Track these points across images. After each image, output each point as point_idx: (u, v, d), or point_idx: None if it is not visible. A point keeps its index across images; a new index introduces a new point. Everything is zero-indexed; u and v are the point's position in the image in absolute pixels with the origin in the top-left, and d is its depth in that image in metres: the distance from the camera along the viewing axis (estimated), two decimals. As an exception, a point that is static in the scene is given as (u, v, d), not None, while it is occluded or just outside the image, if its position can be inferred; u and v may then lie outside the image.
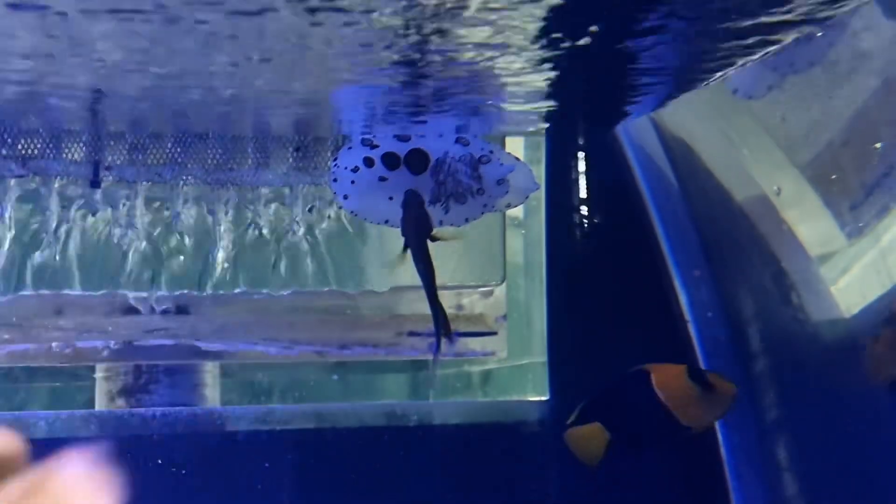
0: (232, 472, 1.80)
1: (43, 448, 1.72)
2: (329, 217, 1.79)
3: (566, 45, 1.19)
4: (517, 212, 1.97)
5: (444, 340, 1.57)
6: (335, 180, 1.57)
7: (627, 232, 1.97)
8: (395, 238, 1.59)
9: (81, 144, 1.63)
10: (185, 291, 1.80)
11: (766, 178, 1.76)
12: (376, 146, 1.56)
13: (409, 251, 1.55)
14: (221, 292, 1.79)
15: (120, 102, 1.43)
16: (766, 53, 1.29)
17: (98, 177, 1.66)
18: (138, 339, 1.81)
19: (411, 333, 1.90)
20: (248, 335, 1.85)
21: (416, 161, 1.56)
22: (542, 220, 1.97)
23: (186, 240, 1.75)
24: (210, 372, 1.92)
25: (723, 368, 1.84)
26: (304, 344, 1.87)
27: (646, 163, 1.96)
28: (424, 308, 1.82)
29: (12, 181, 1.65)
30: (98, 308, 1.80)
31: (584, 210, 1.96)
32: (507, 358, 1.98)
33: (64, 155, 1.63)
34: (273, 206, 1.76)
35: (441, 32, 1.12)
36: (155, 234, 1.74)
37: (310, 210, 1.77)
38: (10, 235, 1.69)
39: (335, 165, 1.58)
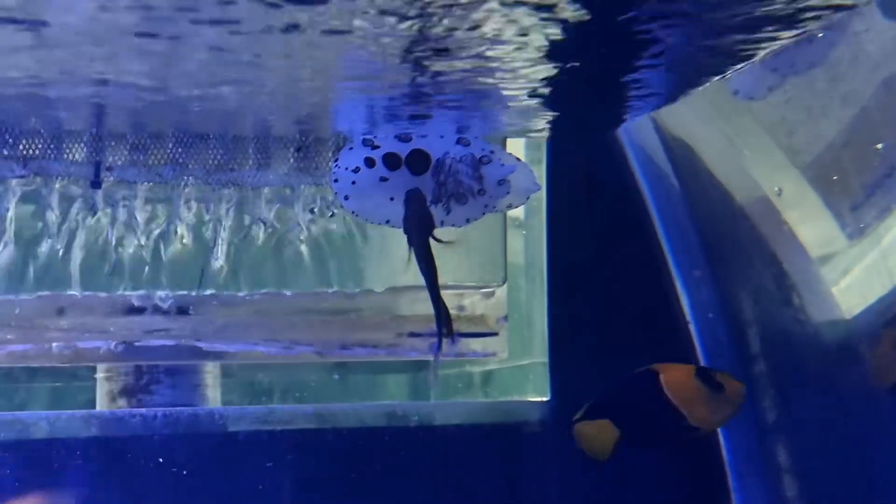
0: (233, 472, 1.80)
1: (43, 448, 1.73)
2: (330, 218, 1.79)
3: (566, 45, 1.19)
4: (518, 212, 1.97)
5: (446, 338, 1.56)
6: (336, 181, 1.57)
7: (628, 233, 1.97)
8: (397, 239, 1.59)
9: (82, 145, 1.64)
10: (186, 292, 1.80)
11: (766, 178, 1.76)
12: (377, 147, 1.56)
13: (411, 249, 1.54)
14: (223, 293, 1.79)
15: (121, 103, 1.44)
16: (767, 54, 1.29)
17: (99, 177, 1.66)
18: (139, 339, 1.81)
19: (412, 334, 1.90)
20: (248, 336, 1.85)
21: (417, 161, 1.56)
22: (543, 221, 1.97)
23: (187, 240, 1.75)
24: (211, 372, 1.92)
25: (723, 369, 1.84)
26: (305, 344, 1.87)
27: (646, 163, 1.96)
28: (425, 309, 1.83)
29: (13, 181, 1.65)
30: (99, 308, 1.80)
31: (584, 211, 1.96)
32: (507, 359, 1.98)
33: (65, 155, 1.64)
34: (274, 206, 1.76)
35: (444, 33, 1.12)
36: (156, 234, 1.74)
37: (311, 211, 1.77)
38: (11, 236, 1.69)
39: (336, 166, 1.58)
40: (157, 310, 1.81)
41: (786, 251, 1.77)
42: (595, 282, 1.95)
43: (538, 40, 1.17)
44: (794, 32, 1.20)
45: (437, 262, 1.53)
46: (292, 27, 1.08)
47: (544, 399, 1.96)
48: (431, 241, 1.53)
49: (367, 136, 1.57)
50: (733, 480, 1.93)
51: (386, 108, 1.47)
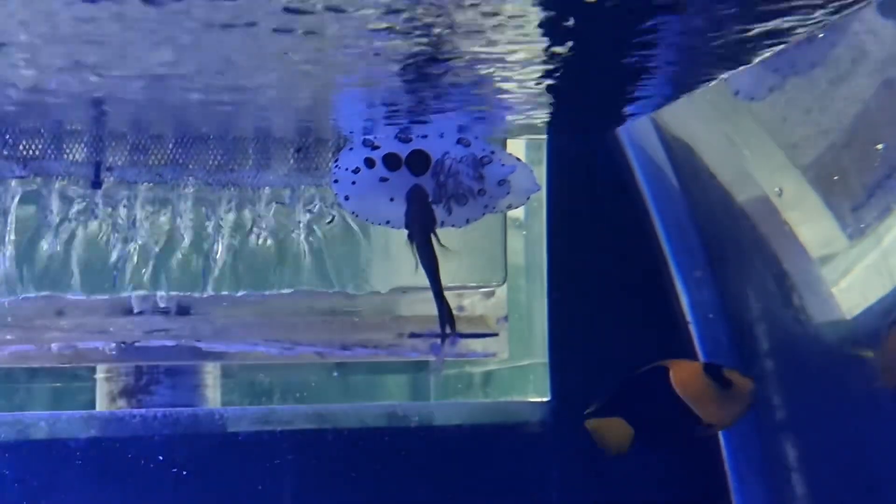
0: (233, 473, 1.80)
1: (43, 449, 1.73)
2: (330, 218, 1.78)
3: (567, 46, 1.19)
4: (518, 213, 1.97)
5: (448, 335, 1.56)
6: (336, 181, 1.57)
7: (628, 233, 1.97)
8: (397, 239, 1.59)
9: (83, 145, 1.63)
10: (186, 292, 1.80)
11: (767, 179, 1.76)
12: (377, 147, 1.56)
13: (412, 245, 1.54)
14: (224, 293, 1.79)
15: (122, 104, 1.44)
16: (768, 54, 1.29)
17: (99, 177, 1.66)
18: (139, 339, 1.81)
19: (412, 335, 1.90)
20: (248, 336, 1.85)
21: (418, 162, 1.56)
22: (544, 221, 1.96)
23: (187, 241, 1.75)
24: (211, 373, 1.92)
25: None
26: (305, 345, 1.87)
27: (647, 164, 1.96)
28: (425, 309, 1.83)
29: (14, 182, 1.65)
30: (99, 309, 1.80)
31: (585, 211, 1.96)
32: (508, 359, 1.98)
33: (65, 156, 1.64)
34: (274, 207, 1.76)
35: (444, 34, 1.12)
36: (156, 234, 1.74)
37: (311, 211, 1.77)
38: (11, 236, 1.69)
39: (336, 166, 1.57)
40: (156, 310, 1.81)
41: (786, 251, 1.77)
42: (595, 282, 1.95)
43: (538, 41, 1.17)
44: (795, 35, 1.20)
45: (438, 261, 1.53)
46: (293, 29, 1.08)
47: (544, 399, 1.95)
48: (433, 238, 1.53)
49: (367, 137, 1.57)
50: (734, 481, 1.93)
51: (386, 109, 1.47)
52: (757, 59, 1.31)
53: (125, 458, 1.76)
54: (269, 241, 1.77)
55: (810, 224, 1.70)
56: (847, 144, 1.59)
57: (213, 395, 1.91)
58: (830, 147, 1.63)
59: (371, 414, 1.93)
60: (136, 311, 1.81)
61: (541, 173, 1.91)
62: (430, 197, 1.55)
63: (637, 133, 1.94)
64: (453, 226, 1.58)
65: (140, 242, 1.73)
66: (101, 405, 1.88)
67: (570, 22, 1.11)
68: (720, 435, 1.93)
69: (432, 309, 1.58)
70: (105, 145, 1.64)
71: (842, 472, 1.73)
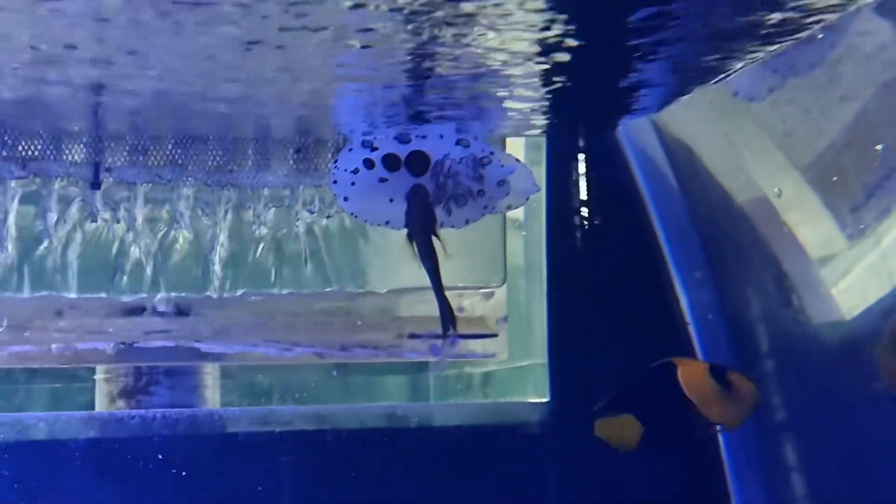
0: (232, 473, 1.80)
1: (43, 449, 1.72)
2: (329, 219, 1.78)
3: (567, 47, 1.19)
4: (518, 213, 1.96)
5: (449, 331, 1.55)
6: (335, 182, 1.57)
7: (628, 234, 1.97)
8: (397, 239, 1.59)
9: (82, 146, 1.63)
10: (186, 293, 1.79)
11: (766, 179, 1.76)
12: (376, 148, 1.56)
13: (413, 243, 1.53)
14: (223, 294, 1.79)
15: (121, 104, 1.44)
16: (768, 55, 1.29)
17: (98, 178, 1.66)
18: (138, 340, 1.81)
19: (412, 335, 1.89)
20: (248, 337, 1.85)
21: (417, 163, 1.56)
22: (543, 222, 1.96)
23: (187, 241, 1.75)
24: (210, 373, 1.92)
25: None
26: (305, 346, 1.87)
27: (646, 165, 1.96)
28: (425, 310, 1.83)
29: (13, 183, 1.65)
30: (98, 310, 1.80)
31: (584, 212, 1.96)
32: (507, 360, 1.98)
33: (64, 156, 1.63)
34: (273, 207, 1.76)
35: (445, 35, 1.12)
36: (155, 235, 1.74)
37: (310, 212, 1.77)
38: (10, 237, 1.69)
39: (335, 167, 1.57)
40: (156, 311, 1.81)
41: (786, 252, 1.77)
42: (595, 283, 1.95)
43: (538, 42, 1.17)
44: (795, 35, 1.20)
45: (438, 259, 1.53)
46: (293, 29, 1.08)
47: (544, 400, 1.95)
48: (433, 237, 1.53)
49: (367, 138, 1.57)
50: (733, 482, 1.93)
51: (385, 110, 1.47)
52: (757, 60, 1.32)
53: (124, 458, 1.76)
54: (268, 242, 1.77)
55: (809, 225, 1.70)
56: (846, 145, 1.59)
57: (212, 395, 1.91)
58: (830, 148, 1.63)
59: (370, 415, 1.93)
60: (135, 311, 1.81)
61: (540, 174, 1.91)
62: (430, 198, 1.55)
63: (636, 134, 1.94)
64: (453, 226, 1.58)
65: (139, 243, 1.73)
66: (101, 406, 1.88)
67: (570, 23, 1.11)
68: (720, 435, 1.93)
69: (432, 310, 1.58)
70: (104, 146, 1.64)
71: (841, 473, 1.73)
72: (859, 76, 1.52)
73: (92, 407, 1.89)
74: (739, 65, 1.34)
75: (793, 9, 1.12)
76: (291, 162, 1.71)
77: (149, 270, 1.75)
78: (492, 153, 1.58)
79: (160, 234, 1.74)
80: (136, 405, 1.85)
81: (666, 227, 1.96)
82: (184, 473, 1.77)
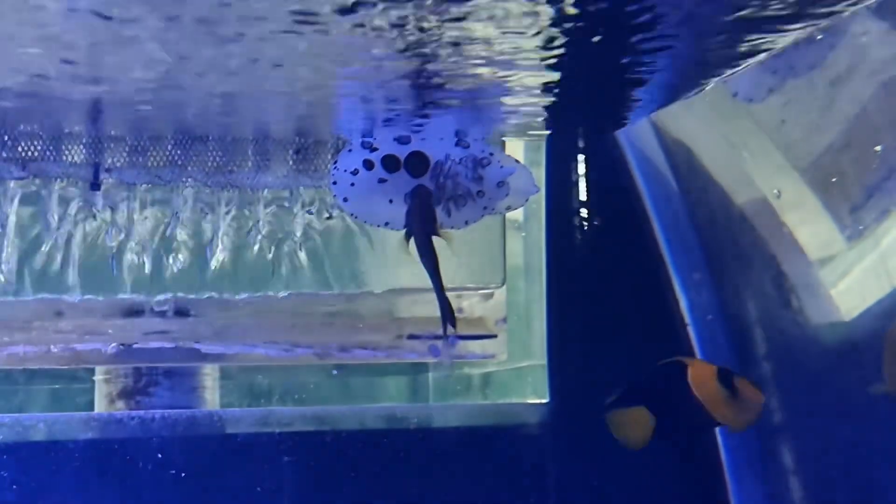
0: (231, 474, 1.80)
1: (42, 450, 1.72)
2: (329, 219, 1.78)
3: (567, 47, 1.19)
4: (517, 214, 1.96)
5: (448, 336, 1.55)
6: (335, 183, 1.57)
7: (627, 235, 1.97)
8: (395, 240, 1.58)
9: (81, 147, 1.63)
10: (185, 294, 1.79)
11: (766, 181, 1.76)
12: (376, 149, 1.56)
13: (412, 241, 1.53)
14: (223, 295, 1.79)
15: (120, 104, 1.44)
16: (767, 56, 1.29)
17: (98, 179, 1.66)
18: (138, 341, 1.81)
19: (411, 336, 1.89)
20: (247, 338, 1.84)
21: (416, 164, 1.56)
22: (542, 223, 1.97)
23: (186, 242, 1.75)
24: (210, 374, 1.91)
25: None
26: (304, 346, 1.87)
27: (646, 166, 1.96)
28: (424, 311, 1.83)
29: (13, 183, 1.65)
30: (98, 310, 1.79)
31: (584, 213, 1.96)
32: (506, 361, 1.97)
33: (64, 157, 1.63)
34: (273, 208, 1.76)
35: (444, 35, 1.13)
36: (155, 236, 1.74)
37: (310, 213, 1.77)
38: (10, 237, 1.69)
39: (335, 168, 1.58)
40: (155, 312, 1.81)
41: (785, 253, 1.77)
42: (594, 284, 1.95)
43: (538, 43, 1.17)
44: (794, 35, 1.20)
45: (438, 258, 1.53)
46: (293, 32, 1.08)
47: (543, 401, 1.95)
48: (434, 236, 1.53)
49: (366, 139, 1.57)
50: (732, 483, 1.93)
51: (385, 111, 1.47)
52: (757, 60, 1.32)
53: (124, 459, 1.76)
54: (267, 243, 1.77)
55: (809, 226, 1.70)
56: (845, 146, 1.60)
57: (211, 396, 1.91)
58: (829, 149, 1.63)
59: (370, 416, 1.93)
60: (135, 312, 1.81)
61: (540, 175, 1.91)
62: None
63: (636, 135, 1.94)
64: (452, 227, 1.58)
65: (139, 244, 1.73)
66: (100, 407, 1.88)
67: (570, 24, 1.11)
68: (719, 437, 1.93)
69: (431, 310, 1.58)
70: (104, 147, 1.64)
71: (840, 474, 1.73)
72: (858, 77, 1.52)
73: (91, 408, 1.89)
74: (740, 65, 1.34)
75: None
76: (291, 163, 1.71)
77: (148, 271, 1.75)
78: (491, 154, 1.58)
79: (160, 235, 1.74)
80: (136, 406, 1.85)
81: (665, 228, 1.96)
82: (183, 475, 1.77)
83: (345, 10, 1.03)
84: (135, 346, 1.80)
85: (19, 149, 1.61)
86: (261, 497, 1.80)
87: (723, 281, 1.93)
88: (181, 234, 1.74)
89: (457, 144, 1.57)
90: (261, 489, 1.80)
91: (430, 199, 1.54)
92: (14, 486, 1.71)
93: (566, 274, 1.96)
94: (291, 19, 1.05)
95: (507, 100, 1.45)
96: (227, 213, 1.74)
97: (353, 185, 1.56)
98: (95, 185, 1.66)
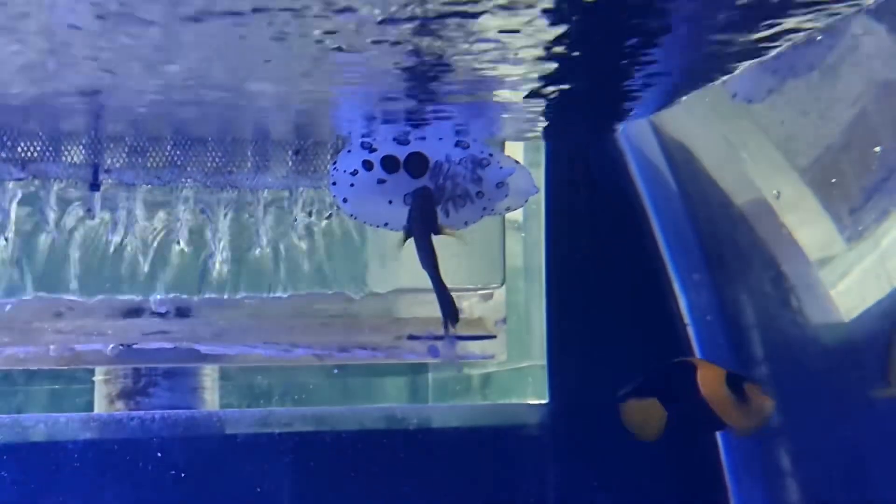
0: (231, 475, 1.80)
1: (42, 451, 1.72)
2: (328, 220, 1.78)
3: (566, 48, 1.19)
4: (517, 215, 1.97)
5: (450, 334, 1.54)
6: (334, 183, 1.57)
7: (627, 235, 1.97)
8: (395, 241, 1.58)
9: (81, 147, 1.64)
10: (185, 295, 1.79)
11: (765, 181, 1.76)
12: (375, 150, 1.56)
13: (411, 240, 1.53)
14: (222, 296, 1.79)
15: (120, 105, 1.44)
16: (767, 57, 1.29)
17: (97, 180, 1.66)
18: (137, 342, 1.81)
19: (411, 337, 1.89)
20: (247, 338, 1.84)
21: (416, 164, 1.56)
22: (542, 224, 1.97)
23: (186, 243, 1.75)
24: (209, 375, 1.91)
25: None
26: (304, 347, 1.87)
27: (645, 166, 1.96)
28: (424, 311, 1.83)
29: (12, 184, 1.65)
30: (97, 311, 1.79)
31: (583, 213, 1.96)
32: (506, 361, 1.98)
33: (63, 158, 1.63)
34: (272, 209, 1.76)
35: (444, 36, 1.13)
36: (154, 237, 1.74)
37: (309, 213, 1.77)
38: (9, 238, 1.69)
39: (334, 169, 1.58)
40: (155, 312, 1.81)
41: (784, 254, 1.77)
42: (593, 284, 1.95)
43: (537, 45, 1.17)
44: (793, 36, 1.20)
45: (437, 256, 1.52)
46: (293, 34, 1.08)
47: (543, 402, 1.95)
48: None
49: (366, 139, 1.57)
50: (732, 484, 1.93)
51: (384, 111, 1.47)
52: (756, 61, 1.32)
53: (123, 460, 1.76)
54: (267, 244, 1.77)
55: (808, 226, 1.70)
56: (845, 147, 1.60)
57: (211, 397, 1.91)
58: (828, 150, 1.63)
59: (369, 416, 1.93)
60: (134, 313, 1.81)
61: (539, 176, 1.91)
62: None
63: (635, 135, 1.94)
64: (452, 228, 1.58)
65: (138, 244, 1.73)
66: (100, 407, 1.88)
67: (569, 24, 1.11)
68: (718, 438, 1.93)
69: (431, 311, 1.58)
70: (103, 147, 1.64)
71: (839, 475, 1.73)
72: (858, 78, 1.52)
73: (91, 408, 1.89)
74: (739, 67, 1.34)
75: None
76: (290, 163, 1.71)
77: (148, 272, 1.75)
78: (491, 155, 1.58)
79: (159, 236, 1.74)
80: (135, 407, 1.85)
81: (665, 229, 1.96)
82: (183, 475, 1.77)
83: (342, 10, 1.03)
84: (134, 346, 1.80)
85: (19, 149, 1.61)
86: (260, 497, 1.80)
87: (722, 281, 1.93)
88: (181, 235, 1.74)
89: (456, 145, 1.57)
90: (260, 490, 1.80)
91: (431, 200, 1.54)
92: (14, 487, 1.71)
93: (566, 274, 1.96)
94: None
95: (507, 100, 1.45)
96: (227, 213, 1.74)
97: (352, 185, 1.56)
98: (95, 186, 1.66)
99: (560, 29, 1.13)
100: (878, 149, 1.53)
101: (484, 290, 1.93)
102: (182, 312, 1.82)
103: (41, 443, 1.75)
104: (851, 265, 1.63)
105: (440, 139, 1.57)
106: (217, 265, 1.76)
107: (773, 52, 1.27)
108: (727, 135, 1.82)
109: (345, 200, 1.58)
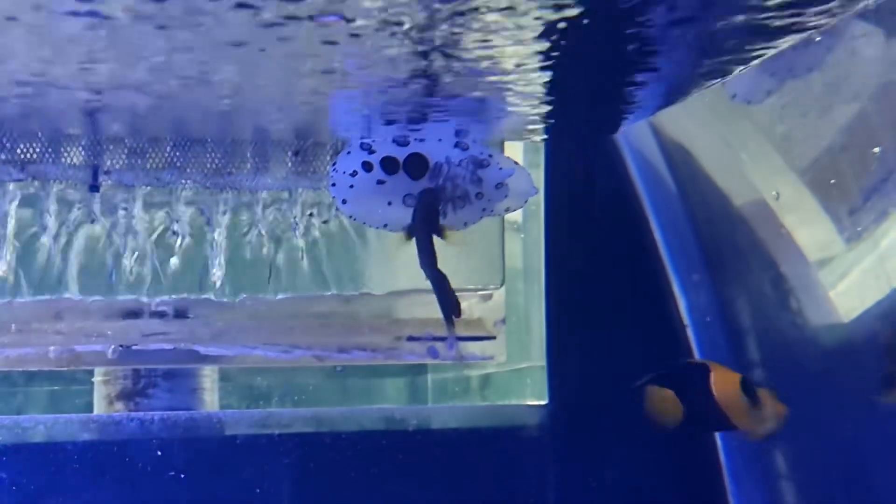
0: (230, 476, 1.80)
1: (41, 452, 1.72)
2: (328, 221, 1.78)
3: (565, 49, 1.19)
4: (516, 216, 1.97)
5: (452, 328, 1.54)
6: (334, 185, 1.57)
7: (626, 236, 1.97)
8: (395, 242, 1.59)
9: (80, 148, 1.63)
10: (184, 295, 1.79)
11: (764, 182, 1.76)
12: (375, 151, 1.56)
13: (412, 240, 1.53)
14: (221, 297, 1.79)
15: (119, 106, 1.44)
16: (765, 58, 1.29)
17: (97, 181, 1.66)
18: (137, 343, 1.80)
19: (410, 338, 1.89)
20: (246, 339, 1.84)
21: (415, 165, 1.56)
22: (541, 225, 1.97)
23: (185, 244, 1.75)
24: (209, 376, 1.91)
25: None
26: (303, 348, 1.87)
27: (644, 167, 1.96)
28: (423, 312, 1.83)
29: (11, 185, 1.65)
30: (97, 312, 1.79)
31: (582, 214, 1.96)
32: (505, 362, 1.97)
33: (63, 159, 1.63)
34: (272, 210, 1.76)
35: (444, 36, 1.13)
36: (154, 238, 1.74)
37: (309, 214, 1.77)
38: (9, 239, 1.68)
39: (334, 170, 1.58)
40: (154, 313, 1.81)
41: (783, 255, 1.77)
42: (593, 285, 1.95)
43: (536, 44, 1.17)
44: (793, 37, 1.20)
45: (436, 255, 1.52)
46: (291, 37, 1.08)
47: (542, 403, 1.96)
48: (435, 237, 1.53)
49: (365, 140, 1.57)
50: (731, 485, 1.93)
51: (384, 112, 1.47)
52: (756, 62, 1.32)
53: (123, 461, 1.76)
54: (266, 245, 1.77)
55: (807, 227, 1.70)
56: (844, 148, 1.60)
57: (210, 398, 1.91)
58: (827, 150, 1.63)
59: (369, 417, 1.93)
60: (134, 314, 1.81)
61: (539, 176, 1.91)
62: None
63: (635, 136, 1.95)
64: (451, 228, 1.58)
65: (138, 245, 1.73)
66: (99, 408, 1.88)
67: (568, 24, 1.11)
68: (718, 439, 1.94)
69: (430, 312, 1.58)
70: (103, 149, 1.64)
71: (838, 476, 1.73)
72: (857, 79, 1.52)
73: (90, 409, 1.89)
74: (738, 68, 1.34)
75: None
76: (290, 164, 1.71)
77: (147, 273, 1.75)
78: (490, 155, 1.58)
79: (159, 237, 1.74)
80: (135, 408, 1.85)
81: (664, 230, 1.96)
82: (182, 476, 1.77)
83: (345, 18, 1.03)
84: (134, 347, 1.80)
85: (18, 151, 1.61)
86: (260, 498, 1.80)
87: (721, 282, 1.93)
88: (180, 236, 1.74)
89: (456, 146, 1.57)
90: (260, 491, 1.80)
91: (437, 202, 1.54)
92: (13, 488, 1.71)
93: (565, 275, 1.96)
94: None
95: (507, 101, 1.45)
96: (226, 214, 1.74)
97: (351, 186, 1.56)
98: (94, 187, 1.66)
99: (559, 33, 1.13)
100: (877, 150, 1.53)
101: (483, 291, 1.93)
102: (181, 313, 1.82)
103: (41, 444, 1.75)
104: (851, 266, 1.63)
105: (440, 140, 1.57)
106: (216, 266, 1.76)
107: (773, 53, 1.26)
108: (726, 136, 1.82)
109: (344, 201, 1.58)
